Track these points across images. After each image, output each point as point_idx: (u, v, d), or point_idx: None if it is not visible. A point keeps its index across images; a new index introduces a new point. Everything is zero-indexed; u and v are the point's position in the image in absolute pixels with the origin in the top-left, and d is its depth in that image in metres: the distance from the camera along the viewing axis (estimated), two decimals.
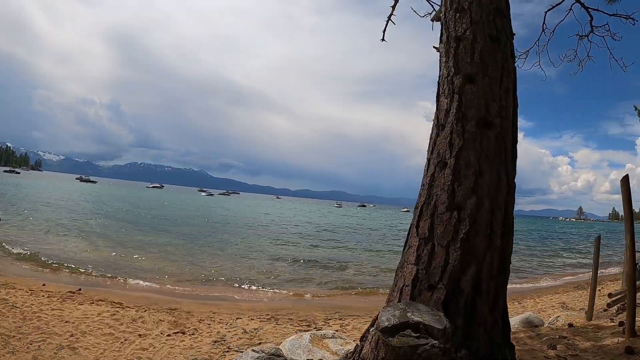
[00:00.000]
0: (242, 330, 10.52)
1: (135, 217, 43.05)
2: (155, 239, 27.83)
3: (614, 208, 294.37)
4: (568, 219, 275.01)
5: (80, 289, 13.62)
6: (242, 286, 17.44)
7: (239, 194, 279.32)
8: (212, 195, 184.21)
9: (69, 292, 13.11)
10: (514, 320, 9.31)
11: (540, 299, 17.53)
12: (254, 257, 24.32)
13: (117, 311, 11.18)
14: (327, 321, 12.35)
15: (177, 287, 16.17)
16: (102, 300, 12.36)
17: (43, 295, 12.14)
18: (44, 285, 13.83)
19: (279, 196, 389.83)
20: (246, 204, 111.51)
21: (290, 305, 14.96)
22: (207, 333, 9.98)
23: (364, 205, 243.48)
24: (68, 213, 38.66)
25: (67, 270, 17.13)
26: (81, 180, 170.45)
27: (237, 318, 11.88)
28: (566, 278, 25.27)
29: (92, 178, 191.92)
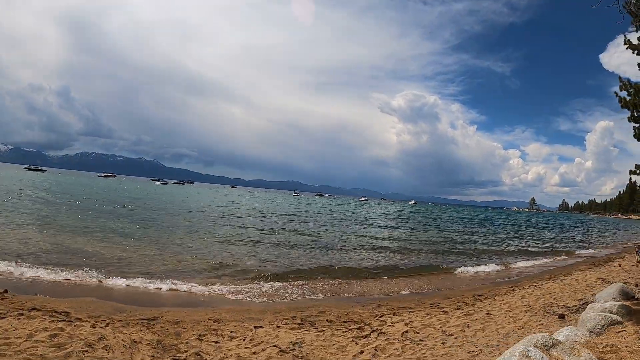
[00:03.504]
0: (277, 349, 6.63)
1: (88, 204, 37.28)
2: (113, 225, 22.59)
3: (564, 200, 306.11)
4: (521, 209, 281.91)
5: (5, 291, 8.88)
6: (239, 278, 13.17)
7: (193, 183, 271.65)
8: (167, 184, 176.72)
9: None
10: (612, 290, 9.62)
11: (578, 275, 16.42)
12: (236, 244, 19.93)
13: (62, 329, 6.62)
14: (380, 318, 9.18)
15: (150, 285, 11.33)
16: (38, 309, 7.70)
17: None
18: None
19: (234, 186, 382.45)
20: (205, 193, 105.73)
21: (313, 300, 11.26)
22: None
23: (321, 195, 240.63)
24: (10, 201, 32.75)
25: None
26: (29, 169, 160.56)
27: (255, 327, 7.87)
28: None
29: (41, 167, 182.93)
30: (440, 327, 8.44)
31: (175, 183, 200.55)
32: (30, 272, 11.22)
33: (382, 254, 20.16)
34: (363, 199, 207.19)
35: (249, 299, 10.77)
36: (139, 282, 11.30)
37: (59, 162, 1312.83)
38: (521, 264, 20.58)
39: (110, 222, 23.77)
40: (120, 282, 11.14)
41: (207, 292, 11.11)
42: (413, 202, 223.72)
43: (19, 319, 7.04)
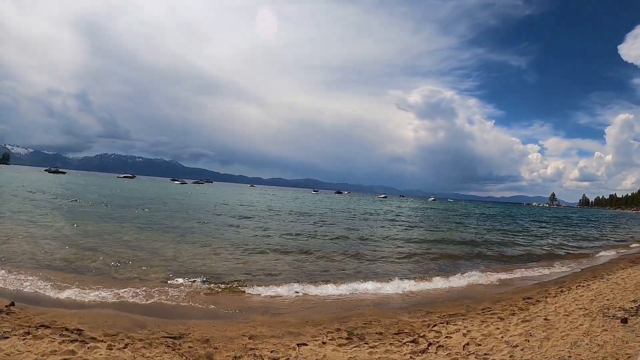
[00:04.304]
0: None
1: (108, 205, 36.67)
2: (131, 229, 21.60)
3: (584, 195, 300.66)
4: (541, 205, 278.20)
5: (13, 304, 7.92)
6: (267, 282, 11.92)
7: (211, 182, 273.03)
8: (186, 183, 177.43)
9: None
10: None
11: (621, 273, 16.01)
12: (263, 246, 18.64)
13: (73, 352, 5.68)
14: (434, 328, 8.23)
15: (171, 295, 10.18)
16: (47, 326, 6.73)
17: None
18: None
19: (253, 184, 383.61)
20: (225, 192, 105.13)
21: (354, 307, 10.10)
22: None
23: (340, 192, 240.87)
24: (29, 204, 32.15)
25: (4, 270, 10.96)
26: (49, 171, 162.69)
27: (298, 344, 6.83)
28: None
29: (61, 169, 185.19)
30: (502, 337, 7.50)
31: (194, 183, 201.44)
32: (42, 281, 10.20)
33: (416, 254, 18.99)
34: (382, 196, 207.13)
35: (284, 309, 9.66)
36: (160, 292, 10.20)
37: (79, 164, 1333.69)
38: (558, 262, 19.60)
39: (128, 223, 22.93)
40: (143, 292, 10.05)
41: (235, 300, 10.02)
42: (432, 198, 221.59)
43: (24, 339, 6.08)
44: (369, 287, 12.19)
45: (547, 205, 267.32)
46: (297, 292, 11.09)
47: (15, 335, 6.22)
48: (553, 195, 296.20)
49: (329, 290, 11.55)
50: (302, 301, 10.41)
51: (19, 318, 7.12)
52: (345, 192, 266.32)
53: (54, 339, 6.18)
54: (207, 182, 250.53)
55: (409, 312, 9.69)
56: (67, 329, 6.67)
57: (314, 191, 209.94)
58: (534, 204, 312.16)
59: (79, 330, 6.68)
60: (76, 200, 36.90)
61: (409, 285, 12.77)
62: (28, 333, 6.34)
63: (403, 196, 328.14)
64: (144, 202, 40.42)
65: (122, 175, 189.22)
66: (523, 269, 17.14)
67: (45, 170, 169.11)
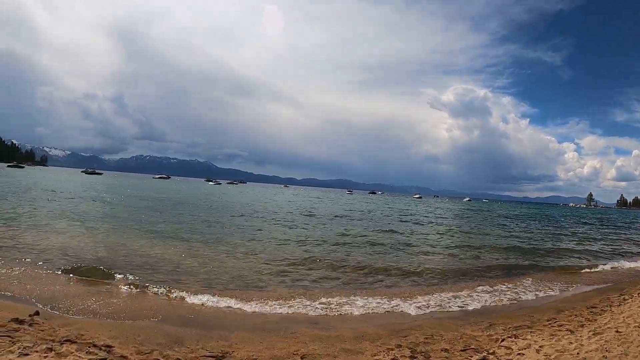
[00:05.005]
0: None
1: (145, 205, 36.56)
2: (165, 227, 21.17)
3: (622, 195, 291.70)
4: (578, 205, 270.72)
5: (37, 313, 7.26)
6: (312, 290, 11.10)
7: (245, 183, 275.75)
8: (220, 184, 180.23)
9: (13, 320, 6.73)
10: None
11: None
12: (306, 248, 17.94)
13: None
14: (502, 343, 7.41)
15: (213, 302, 9.39)
16: (72, 341, 6.00)
17: None
18: None
19: (287, 185, 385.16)
20: (261, 192, 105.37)
21: (410, 319, 9.33)
22: None
23: (374, 192, 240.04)
24: (67, 203, 32.20)
25: (31, 273, 10.47)
26: (86, 172, 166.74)
27: None
28: None
29: (97, 170, 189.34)
30: (578, 353, 6.71)
31: (228, 183, 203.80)
32: (73, 286, 9.58)
33: (459, 258, 18.00)
34: (417, 196, 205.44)
35: (336, 321, 8.76)
36: (198, 298, 9.43)
37: (115, 165, 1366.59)
38: (608, 266, 18.63)
39: (163, 224, 22.48)
40: (180, 298, 9.34)
41: (281, 311, 9.17)
42: (467, 199, 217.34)
43: (46, 356, 5.34)
44: (420, 296, 11.24)
45: (585, 206, 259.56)
46: (347, 303, 10.15)
47: (37, 351, 5.50)
48: (590, 195, 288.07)
49: (381, 300, 10.58)
50: (355, 312, 9.50)
51: (42, 330, 6.43)
52: (379, 193, 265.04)
53: (80, 357, 5.45)
54: (241, 182, 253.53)
55: (470, 324, 8.97)
56: (94, 345, 5.94)
57: (348, 192, 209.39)
58: (571, 204, 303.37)
59: (108, 346, 5.94)
60: (115, 200, 36.81)
61: (462, 294, 11.85)
62: (51, 349, 5.61)
63: (437, 196, 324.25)
64: (193, 204, 40.11)
65: (157, 176, 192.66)
66: (576, 274, 16.47)
67: (82, 172, 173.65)
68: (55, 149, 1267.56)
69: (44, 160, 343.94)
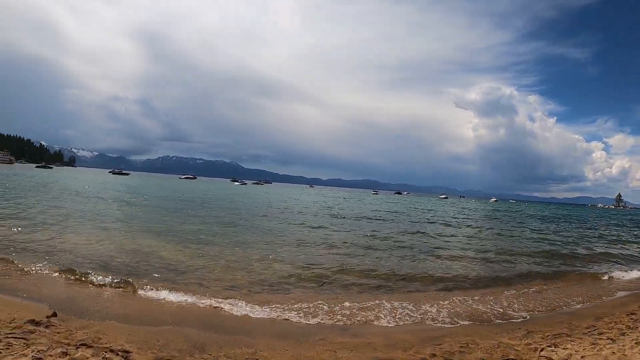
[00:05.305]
0: None
1: (171, 204, 36.65)
2: (188, 229, 20.89)
3: None
4: (606, 206, 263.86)
5: (54, 314, 7.07)
6: (339, 294, 10.64)
7: (271, 183, 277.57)
8: (246, 184, 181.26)
9: (29, 321, 6.58)
10: None
11: None
12: (330, 250, 17.45)
13: None
14: (541, 353, 6.93)
15: (233, 306, 9.02)
16: (89, 345, 5.77)
17: None
18: None
19: (312, 185, 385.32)
20: (287, 192, 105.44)
21: (441, 325, 8.87)
22: None
23: (399, 193, 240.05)
24: (89, 203, 32.45)
25: (51, 273, 10.34)
26: (113, 173, 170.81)
27: None
28: None
29: (124, 171, 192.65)
30: None
31: (254, 183, 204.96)
32: (91, 288, 9.39)
33: (491, 262, 17.26)
34: (443, 196, 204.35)
35: (366, 327, 8.34)
36: (220, 302, 9.09)
37: (142, 166, 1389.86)
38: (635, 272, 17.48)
39: (186, 225, 22.33)
40: (203, 302, 9.01)
41: (307, 316, 8.75)
42: (494, 199, 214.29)
43: None
44: (452, 302, 10.67)
45: (613, 207, 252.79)
46: (376, 308, 9.70)
47: (51, 355, 5.30)
48: (619, 196, 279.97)
49: (412, 306, 10.06)
50: (385, 318, 9.04)
51: (58, 333, 6.20)
52: (405, 193, 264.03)
53: None
54: (266, 182, 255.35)
55: (507, 331, 8.46)
56: (111, 350, 5.67)
57: (373, 192, 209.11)
58: (599, 205, 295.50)
59: (125, 352, 5.66)
60: (139, 199, 36.99)
61: (495, 300, 11.26)
62: (66, 354, 5.38)
63: (463, 197, 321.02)
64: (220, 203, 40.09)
65: (183, 177, 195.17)
66: (611, 278, 15.65)
67: (109, 172, 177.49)
68: (83, 150, 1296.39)
69: (72, 161, 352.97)
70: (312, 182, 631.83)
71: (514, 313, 10.02)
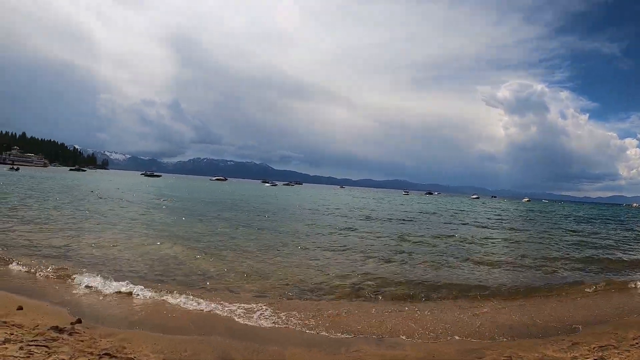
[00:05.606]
0: None
1: (200, 207, 36.84)
2: (219, 232, 21.01)
3: None
4: None
5: (79, 320, 6.90)
6: (371, 301, 10.19)
7: (301, 184, 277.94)
8: (276, 185, 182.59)
9: (53, 328, 6.39)
10: None
11: None
12: (365, 255, 16.89)
13: None
14: None
15: (262, 313, 8.71)
16: (112, 355, 5.60)
17: None
18: (19, 309, 7.42)
19: (343, 186, 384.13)
20: (317, 194, 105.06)
21: (479, 335, 8.27)
22: None
23: (430, 193, 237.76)
24: (124, 204, 32.79)
25: (75, 278, 10.09)
26: (145, 175, 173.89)
27: None
28: None
29: (156, 173, 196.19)
30: None
31: (284, 184, 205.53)
32: (118, 295, 9.23)
33: (529, 268, 16.30)
34: (474, 196, 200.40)
35: (402, 338, 7.85)
36: (249, 309, 8.77)
37: (173, 168, 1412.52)
38: None
39: (217, 227, 22.36)
40: (230, 309, 8.70)
41: (339, 325, 8.34)
42: (526, 199, 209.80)
43: None
44: (490, 311, 10.11)
45: None
46: (412, 318, 9.23)
47: None
48: None
49: (449, 315, 9.58)
50: (421, 328, 8.57)
51: (81, 341, 6.00)
52: (435, 193, 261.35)
53: None
54: (297, 183, 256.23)
55: (550, 342, 7.93)
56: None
57: (404, 192, 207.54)
58: (634, 204, 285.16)
59: None
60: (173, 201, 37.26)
61: (535, 308, 10.63)
62: None
63: (494, 196, 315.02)
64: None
65: (214, 178, 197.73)
66: None
67: (141, 174, 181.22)
68: (116, 153, 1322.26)
69: (105, 164, 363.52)
70: (343, 183, 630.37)
71: (557, 324, 9.37)
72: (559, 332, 8.69)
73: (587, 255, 20.75)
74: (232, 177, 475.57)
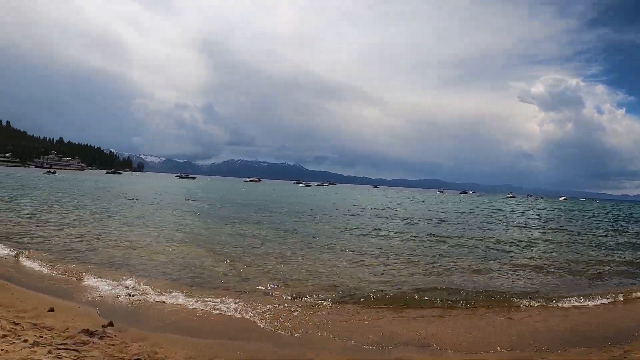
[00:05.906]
0: None
1: (235, 209, 36.96)
2: (253, 232, 21.07)
3: None
4: None
5: (111, 323, 6.78)
6: (412, 309, 9.84)
7: (335, 184, 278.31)
8: (310, 186, 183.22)
9: (83, 331, 6.31)
10: None
11: None
12: (391, 259, 16.53)
13: None
14: None
15: (296, 317, 8.51)
16: None
17: (26, 340, 5.52)
18: (50, 310, 7.39)
19: (377, 186, 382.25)
20: (351, 194, 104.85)
21: (519, 342, 7.79)
22: None
23: (465, 192, 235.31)
24: (159, 207, 33.13)
25: (108, 280, 10.15)
26: (180, 177, 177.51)
27: None
28: None
29: (191, 175, 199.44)
30: None
31: (318, 185, 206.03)
32: (150, 297, 9.12)
33: (574, 274, 15.31)
34: (510, 195, 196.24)
35: (446, 345, 7.46)
36: (284, 309, 8.62)
37: (208, 170, 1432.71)
38: None
39: (249, 228, 22.43)
40: (265, 313, 8.48)
41: (380, 329, 8.05)
42: (563, 197, 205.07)
43: None
44: (537, 319, 9.56)
45: None
46: (455, 325, 8.82)
47: None
48: None
49: (493, 322, 9.10)
50: (463, 335, 8.15)
51: (112, 345, 5.85)
52: (470, 192, 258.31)
53: None
54: (330, 184, 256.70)
55: (602, 350, 7.51)
56: None
57: (438, 192, 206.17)
58: None
59: None
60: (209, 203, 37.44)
61: (584, 314, 10.11)
62: None
63: (530, 195, 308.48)
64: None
65: (248, 179, 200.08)
66: None
67: (176, 176, 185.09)
68: (151, 155, 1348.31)
69: (140, 167, 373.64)
70: (377, 183, 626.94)
71: (607, 332, 8.77)
72: (610, 342, 8.11)
73: (634, 257, 19.81)
74: (266, 178, 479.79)
